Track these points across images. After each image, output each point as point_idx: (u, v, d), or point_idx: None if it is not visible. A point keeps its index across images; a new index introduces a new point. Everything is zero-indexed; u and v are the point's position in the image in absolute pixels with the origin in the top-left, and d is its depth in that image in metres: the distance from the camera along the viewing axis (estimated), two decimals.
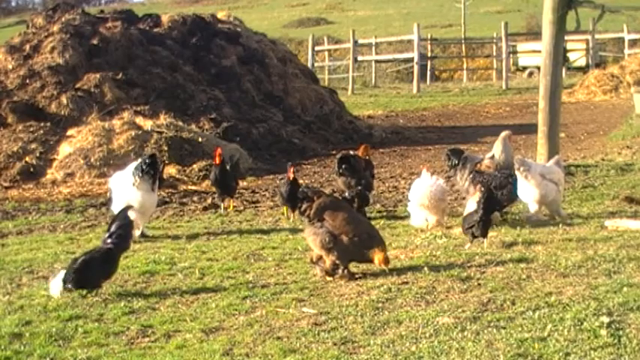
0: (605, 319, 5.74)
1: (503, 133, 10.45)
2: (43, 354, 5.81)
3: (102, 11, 22.43)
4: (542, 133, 12.73)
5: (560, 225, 9.14)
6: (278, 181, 10.33)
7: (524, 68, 44.01)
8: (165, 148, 14.65)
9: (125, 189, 9.62)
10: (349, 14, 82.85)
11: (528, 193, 9.43)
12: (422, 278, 7.19)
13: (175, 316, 6.57)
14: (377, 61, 42.87)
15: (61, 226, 10.97)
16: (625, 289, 6.47)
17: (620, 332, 5.54)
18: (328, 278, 7.40)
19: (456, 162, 10.17)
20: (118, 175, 10.01)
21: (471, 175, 9.84)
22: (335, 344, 5.71)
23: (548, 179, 9.44)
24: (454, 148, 10.67)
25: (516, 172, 9.43)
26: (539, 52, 13.49)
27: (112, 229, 7.44)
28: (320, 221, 7.44)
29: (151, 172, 9.55)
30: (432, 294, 6.74)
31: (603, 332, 5.54)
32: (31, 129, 15.64)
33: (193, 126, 16.26)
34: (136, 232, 9.24)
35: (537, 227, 9.13)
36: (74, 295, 7.18)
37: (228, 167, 11.48)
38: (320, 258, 7.48)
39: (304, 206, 7.56)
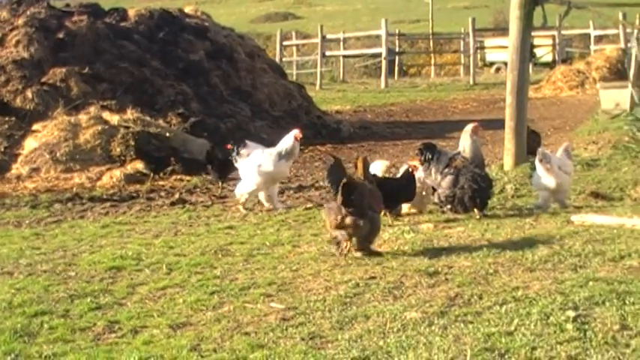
0: (571, 314, 5.76)
1: (468, 127, 10.48)
2: (8, 350, 5.74)
3: (68, 5, 22.13)
4: (509, 128, 12.81)
5: (527, 220, 9.20)
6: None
7: (492, 64, 44.17)
8: (132, 143, 14.55)
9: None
10: (317, 9, 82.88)
11: (547, 183, 9.83)
12: (390, 273, 7.20)
13: (142, 311, 6.53)
14: (345, 56, 42.96)
15: (27, 222, 10.87)
16: (591, 283, 6.51)
17: (586, 326, 5.57)
18: (357, 254, 7.81)
19: (430, 156, 10.18)
20: None
21: (446, 169, 9.89)
22: (303, 339, 5.70)
23: (563, 170, 9.88)
24: (427, 143, 10.67)
25: (537, 164, 9.87)
26: (507, 47, 13.54)
27: None
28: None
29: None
30: (399, 289, 6.75)
31: (569, 326, 5.57)
32: None
33: (161, 121, 16.14)
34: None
35: (505, 222, 9.19)
36: (40, 291, 7.12)
37: None
38: (335, 237, 7.80)
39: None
